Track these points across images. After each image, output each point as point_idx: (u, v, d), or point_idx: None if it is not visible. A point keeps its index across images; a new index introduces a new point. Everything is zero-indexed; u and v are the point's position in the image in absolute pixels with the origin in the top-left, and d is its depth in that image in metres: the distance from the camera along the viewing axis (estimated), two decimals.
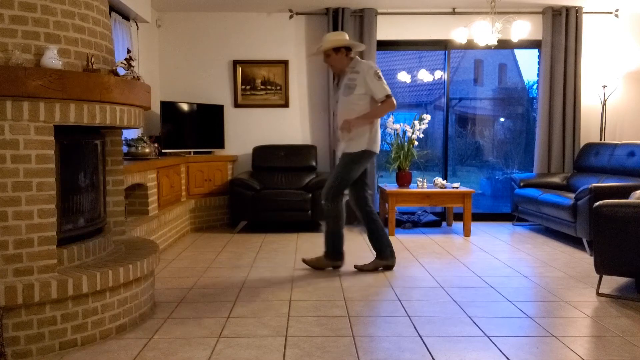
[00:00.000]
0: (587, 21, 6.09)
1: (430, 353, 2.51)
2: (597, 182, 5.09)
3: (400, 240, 5.23)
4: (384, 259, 4.03)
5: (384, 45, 6.18)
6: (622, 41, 6.16)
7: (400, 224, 5.95)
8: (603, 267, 3.36)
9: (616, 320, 2.96)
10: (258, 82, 6.25)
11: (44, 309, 2.45)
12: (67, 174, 2.75)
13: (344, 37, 3.98)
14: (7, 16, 2.42)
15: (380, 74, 3.86)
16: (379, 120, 4.02)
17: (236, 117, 6.27)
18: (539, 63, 6.21)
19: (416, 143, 5.80)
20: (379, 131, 4.02)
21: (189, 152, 5.86)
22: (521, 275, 3.94)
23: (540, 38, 6.07)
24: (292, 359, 2.45)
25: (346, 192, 5.91)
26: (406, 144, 5.71)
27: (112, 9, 4.67)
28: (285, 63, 6.22)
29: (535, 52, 6.34)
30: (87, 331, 2.60)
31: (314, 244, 5.02)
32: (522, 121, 7.70)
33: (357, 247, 4.90)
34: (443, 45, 6.24)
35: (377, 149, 4.00)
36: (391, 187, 5.72)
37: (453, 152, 7.68)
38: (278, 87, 6.25)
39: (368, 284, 3.67)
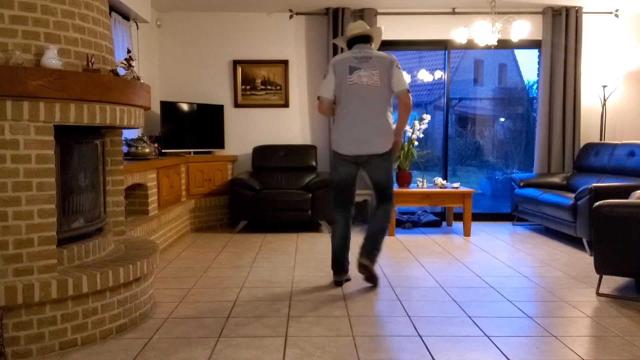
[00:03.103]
0: (587, 21, 6.09)
1: (430, 353, 2.51)
2: (597, 182, 5.09)
3: (400, 240, 5.23)
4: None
5: (384, 45, 6.12)
6: (622, 41, 6.16)
7: (400, 224, 5.95)
8: (603, 267, 3.36)
9: (616, 320, 2.96)
10: (258, 82, 6.25)
11: (44, 309, 2.45)
12: (67, 174, 2.75)
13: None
14: (7, 16, 2.42)
15: (325, 72, 3.65)
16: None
17: (236, 117, 6.27)
18: (539, 63, 6.21)
19: (416, 143, 5.80)
20: None
21: (189, 152, 5.86)
22: (521, 275, 3.94)
23: (540, 38, 6.07)
24: (292, 359, 2.45)
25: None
26: (406, 144, 5.71)
27: (112, 9, 4.67)
28: (285, 63, 6.22)
29: (535, 52, 6.34)
30: (87, 331, 2.60)
31: (314, 244, 5.02)
32: (522, 121, 7.70)
33: None
34: (443, 45, 6.24)
35: None
36: None
37: (453, 152, 7.68)
38: (278, 87, 6.25)
39: (368, 284, 3.67)
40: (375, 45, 3.72)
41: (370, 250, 3.57)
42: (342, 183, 3.63)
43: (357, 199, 5.60)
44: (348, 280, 3.75)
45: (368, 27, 3.66)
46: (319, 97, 3.63)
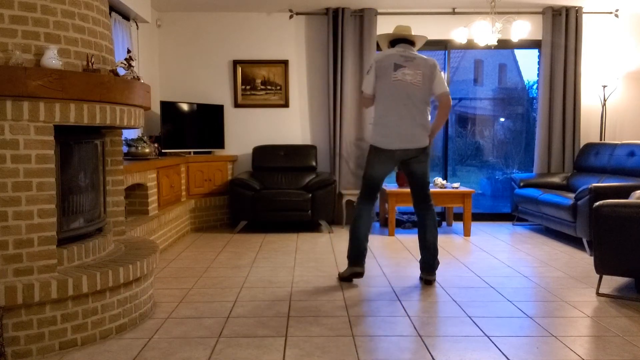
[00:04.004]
0: (587, 21, 6.09)
1: (430, 353, 2.51)
2: (597, 182, 5.09)
3: (400, 240, 5.23)
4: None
5: None
6: (622, 41, 6.16)
7: (400, 224, 5.95)
8: (603, 267, 3.36)
9: (616, 320, 2.96)
10: (258, 82, 6.25)
11: (44, 309, 2.45)
12: (67, 174, 2.75)
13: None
14: (7, 16, 2.42)
15: (368, 68, 3.84)
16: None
17: (236, 117, 6.27)
18: (539, 63, 6.21)
19: None
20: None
21: (189, 152, 5.86)
22: (521, 275, 3.94)
23: (540, 38, 6.07)
24: (292, 359, 2.45)
25: (345, 191, 5.95)
26: None
27: (112, 9, 4.67)
28: (285, 63, 6.22)
29: (535, 52, 6.34)
30: (87, 331, 2.60)
31: (314, 244, 5.02)
32: (522, 121, 7.71)
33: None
34: (443, 45, 6.24)
35: None
36: (391, 187, 5.73)
37: (453, 152, 7.69)
38: (278, 87, 6.25)
39: (368, 284, 3.67)
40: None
41: (433, 263, 3.71)
42: (376, 180, 3.70)
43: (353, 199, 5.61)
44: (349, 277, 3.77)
45: (414, 34, 3.76)
46: (362, 92, 3.77)
